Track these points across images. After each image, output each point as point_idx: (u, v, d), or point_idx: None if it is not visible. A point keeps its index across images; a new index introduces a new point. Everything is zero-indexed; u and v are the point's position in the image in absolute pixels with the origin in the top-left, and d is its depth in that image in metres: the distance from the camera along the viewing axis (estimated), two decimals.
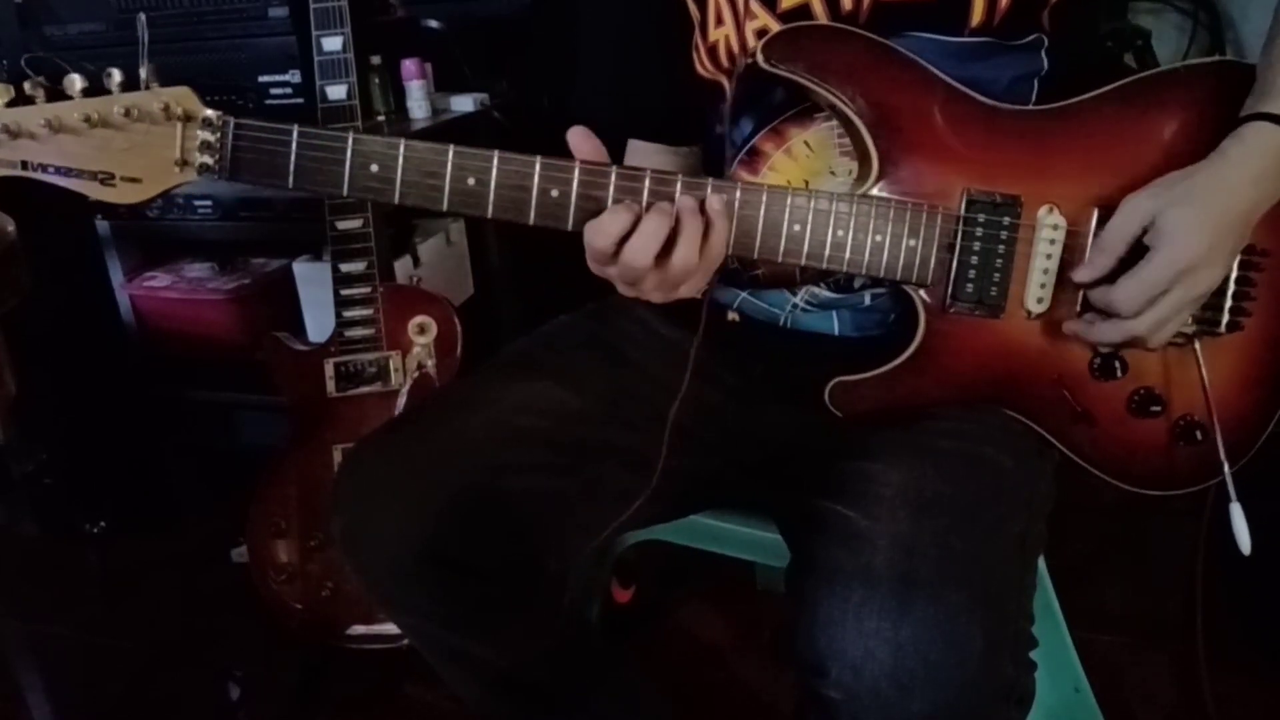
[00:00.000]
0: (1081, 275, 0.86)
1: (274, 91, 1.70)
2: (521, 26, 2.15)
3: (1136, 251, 0.84)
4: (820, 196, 0.84)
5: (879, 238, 0.85)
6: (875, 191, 0.87)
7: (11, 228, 1.30)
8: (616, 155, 0.85)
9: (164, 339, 1.91)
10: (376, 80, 1.87)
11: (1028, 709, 0.79)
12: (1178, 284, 0.82)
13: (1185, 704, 1.46)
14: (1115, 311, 0.84)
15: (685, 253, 0.81)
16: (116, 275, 1.92)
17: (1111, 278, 0.84)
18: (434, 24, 2.08)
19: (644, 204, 0.81)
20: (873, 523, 0.78)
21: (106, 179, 0.79)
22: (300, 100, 1.67)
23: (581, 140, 0.82)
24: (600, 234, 0.81)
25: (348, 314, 1.52)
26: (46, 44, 1.78)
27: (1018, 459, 0.88)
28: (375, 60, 1.85)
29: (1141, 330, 0.84)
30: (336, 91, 1.45)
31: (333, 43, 1.43)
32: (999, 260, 0.87)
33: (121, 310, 1.93)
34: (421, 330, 1.56)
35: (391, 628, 1.48)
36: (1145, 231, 0.83)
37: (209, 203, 1.81)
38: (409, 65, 1.88)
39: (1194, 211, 0.82)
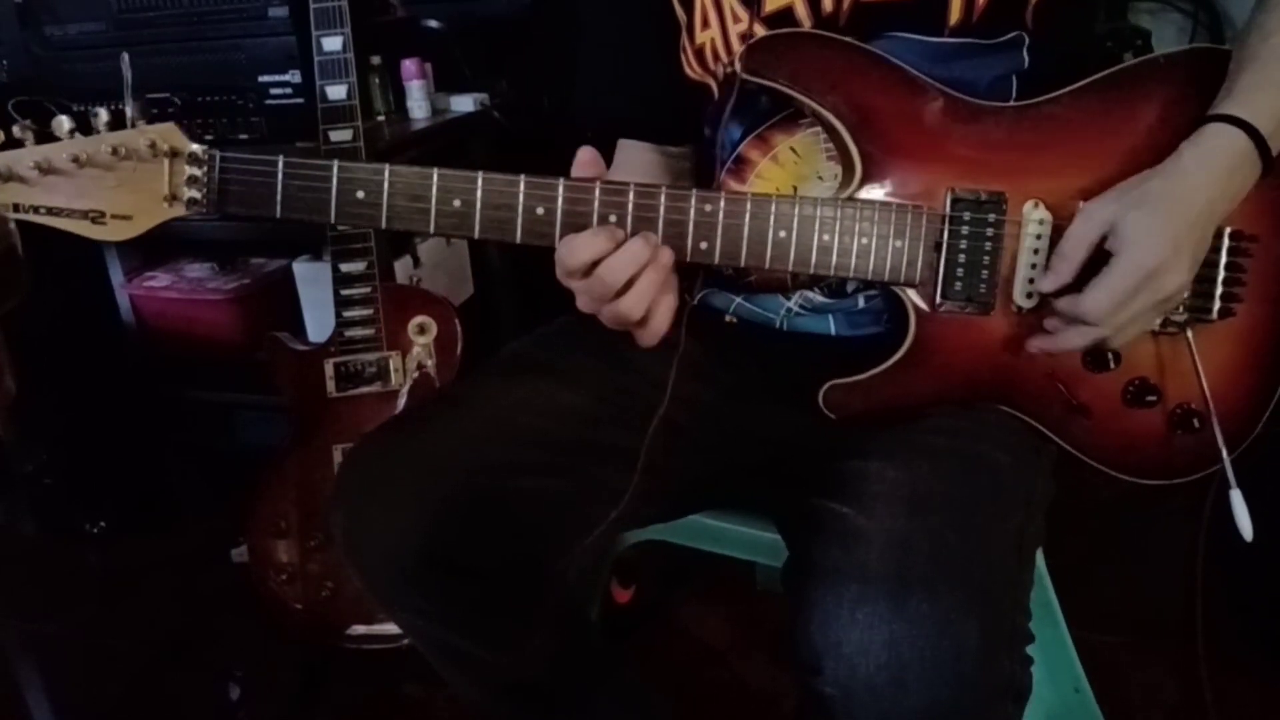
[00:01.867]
0: (1046, 284, 0.85)
1: (274, 91, 1.69)
2: (521, 26, 2.15)
3: (1095, 258, 0.83)
4: (805, 202, 0.84)
5: (865, 240, 0.85)
6: (860, 195, 0.86)
7: (13, 226, 1.30)
8: (610, 156, 0.85)
9: (164, 339, 1.91)
10: (376, 80, 1.87)
11: (1024, 704, 0.78)
12: (1145, 288, 0.81)
13: (1185, 704, 1.46)
14: (1084, 320, 0.83)
15: (633, 301, 0.82)
16: (116, 275, 1.92)
17: (1075, 285, 0.83)
18: (434, 24, 2.07)
19: (628, 225, 0.81)
20: (868, 520, 0.78)
21: (97, 217, 0.81)
22: (300, 100, 1.67)
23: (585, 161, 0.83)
24: (573, 254, 0.81)
25: (348, 314, 1.52)
26: (46, 44, 1.78)
27: (1014, 455, 0.88)
28: (375, 60, 1.86)
29: (1107, 334, 0.84)
30: (336, 91, 1.45)
31: (333, 43, 1.43)
32: (986, 257, 0.87)
33: (121, 310, 1.93)
34: (421, 330, 1.56)
35: (391, 628, 1.49)
36: (1105, 238, 0.82)
37: None
38: (409, 65, 1.89)
39: (1153, 215, 0.81)
